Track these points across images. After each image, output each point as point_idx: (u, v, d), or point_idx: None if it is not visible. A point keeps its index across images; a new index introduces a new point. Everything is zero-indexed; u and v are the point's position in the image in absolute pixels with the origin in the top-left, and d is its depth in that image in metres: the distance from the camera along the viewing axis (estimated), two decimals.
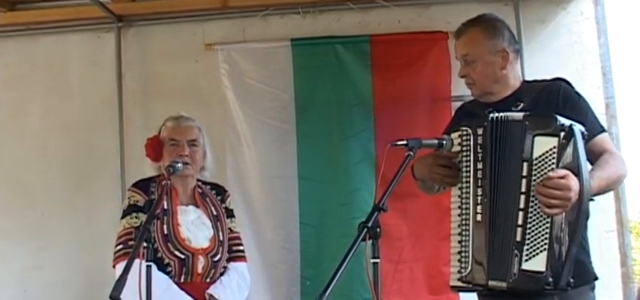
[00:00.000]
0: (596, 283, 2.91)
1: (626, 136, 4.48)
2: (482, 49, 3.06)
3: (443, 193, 3.12)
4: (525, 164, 2.65)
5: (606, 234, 4.37)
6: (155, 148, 3.55)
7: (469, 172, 2.79)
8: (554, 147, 2.61)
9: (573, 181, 2.57)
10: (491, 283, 2.71)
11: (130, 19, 4.90)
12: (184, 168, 3.40)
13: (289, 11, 4.79)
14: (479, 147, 2.77)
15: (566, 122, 2.61)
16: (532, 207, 2.63)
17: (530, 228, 2.62)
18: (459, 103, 3.64)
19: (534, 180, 2.63)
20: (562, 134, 2.60)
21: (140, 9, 4.86)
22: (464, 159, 2.81)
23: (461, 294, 3.96)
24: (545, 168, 2.61)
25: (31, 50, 4.97)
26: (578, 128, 2.62)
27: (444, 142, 2.83)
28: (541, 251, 2.60)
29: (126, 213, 3.42)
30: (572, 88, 3.02)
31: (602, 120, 3.19)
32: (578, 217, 2.58)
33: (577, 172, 2.58)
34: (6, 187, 4.85)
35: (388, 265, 4.23)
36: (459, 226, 2.81)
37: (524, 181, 2.65)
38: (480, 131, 2.77)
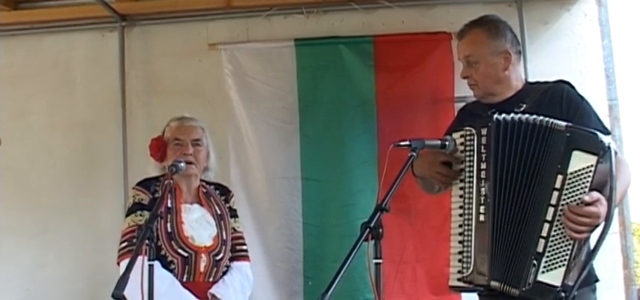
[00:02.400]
0: (599, 285, 2.91)
1: (628, 138, 4.48)
2: (484, 50, 3.06)
3: (444, 193, 3.12)
4: (560, 177, 2.63)
5: (609, 236, 4.33)
6: (159, 148, 3.57)
7: (472, 172, 2.79)
8: (592, 165, 2.58)
9: (603, 208, 2.56)
10: (493, 284, 2.70)
11: (134, 19, 4.90)
12: (188, 167, 3.41)
13: (293, 11, 4.79)
14: (483, 147, 2.77)
15: (606, 140, 2.60)
16: (559, 221, 2.62)
17: (552, 241, 2.62)
18: (462, 104, 3.64)
19: (566, 195, 2.61)
20: (601, 153, 2.58)
21: (144, 8, 4.86)
22: (467, 159, 2.81)
23: (462, 294, 3.97)
24: (579, 185, 2.59)
25: (35, 49, 4.98)
26: (613, 147, 2.61)
27: (447, 143, 2.83)
28: (559, 266, 2.60)
29: (130, 211, 3.43)
30: (575, 90, 3.02)
31: (605, 122, 3.19)
32: (601, 240, 2.55)
33: (608, 195, 2.56)
34: (10, 184, 4.85)
35: (390, 266, 4.24)
36: (460, 226, 2.81)
37: (555, 193, 2.63)
38: (484, 132, 2.78)
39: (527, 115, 2.76)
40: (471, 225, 2.78)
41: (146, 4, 4.86)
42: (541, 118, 2.73)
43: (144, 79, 4.88)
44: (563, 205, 2.61)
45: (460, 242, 2.80)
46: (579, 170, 2.60)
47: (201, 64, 4.80)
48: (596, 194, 2.57)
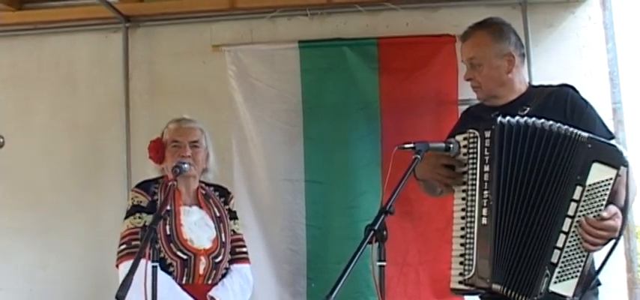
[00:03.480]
0: (602, 288, 2.90)
1: (632, 141, 4.47)
2: (488, 52, 3.06)
3: (447, 196, 3.12)
4: (578, 188, 2.62)
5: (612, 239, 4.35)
6: (158, 150, 3.57)
7: (475, 175, 2.78)
8: (611, 179, 2.58)
9: (619, 221, 2.57)
10: (495, 287, 2.70)
11: (138, 20, 4.90)
12: (188, 169, 3.41)
13: (297, 13, 4.79)
14: (486, 150, 2.76)
15: (625, 154, 2.60)
16: (574, 232, 2.61)
17: (567, 252, 2.61)
18: (465, 107, 3.64)
19: (583, 206, 2.61)
20: (620, 167, 2.57)
21: (148, 9, 4.87)
22: (470, 162, 2.81)
23: (465, 297, 3.96)
24: (597, 197, 2.59)
25: (38, 49, 4.98)
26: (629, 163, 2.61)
27: (451, 146, 2.83)
28: (572, 277, 2.59)
29: (129, 213, 3.44)
30: (580, 95, 3.01)
31: (609, 125, 3.18)
32: (611, 251, 2.57)
33: (624, 209, 2.58)
34: (12, 185, 4.86)
35: (393, 268, 4.23)
36: (462, 228, 2.81)
37: (573, 204, 2.62)
38: (487, 134, 2.77)
39: (534, 119, 2.75)
40: (474, 228, 2.77)
41: (150, 5, 4.86)
42: (558, 125, 2.72)
43: (147, 81, 4.88)
44: (579, 216, 2.61)
45: (462, 245, 2.79)
46: (598, 183, 2.60)
47: (204, 66, 4.79)
48: (613, 208, 2.58)
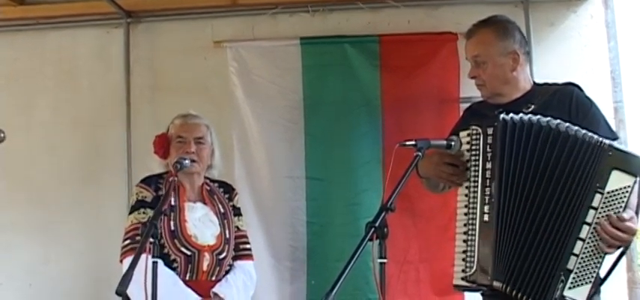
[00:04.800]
0: (602, 287, 2.90)
1: (634, 140, 4.46)
2: (493, 50, 3.06)
3: (448, 193, 3.13)
4: (598, 195, 2.61)
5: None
6: (163, 144, 3.57)
7: (477, 171, 2.78)
8: (629, 186, 2.59)
9: (637, 224, 2.58)
10: (496, 284, 2.70)
11: (139, 15, 4.90)
12: (191, 165, 3.41)
13: (299, 10, 4.78)
14: (488, 147, 2.76)
15: None
16: (590, 239, 2.61)
17: (583, 259, 2.61)
18: (467, 105, 3.63)
19: (601, 214, 2.61)
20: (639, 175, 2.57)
21: (149, 5, 4.86)
22: (472, 158, 2.81)
23: (466, 294, 3.97)
24: (615, 204, 2.59)
25: (40, 45, 4.97)
26: None
27: (453, 143, 2.83)
28: (586, 283, 2.61)
29: (134, 208, 3.43)
30: (584, 93, 3.01)
31: (611, 124, 3.18)
32: (623, 254, 2.58)
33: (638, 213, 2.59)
34: (13, 180, 4.86)
35: (394, 266, 4.22)
36: (465, 225, 2.81)
37: (592, 211, 2.62)
38: (490, 131, 2.77)
39: (539, 117, 2.74)
40: (475, 225, 2.77)
41: (152, 0, 4.86)
42: (576, 128, 2.70)
43: (149, 76, 4.88)
44: (596, 224, 2.61)
45: (464, 242, 2.80)
46: (617, 190, 2.60)
47: (206, 62, 4.79)
48: (631, 212, 2.58)
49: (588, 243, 2.61)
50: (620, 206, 2.58)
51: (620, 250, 2.61)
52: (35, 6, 4.93)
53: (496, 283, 2.71)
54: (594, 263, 2.60)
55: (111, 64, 4.88)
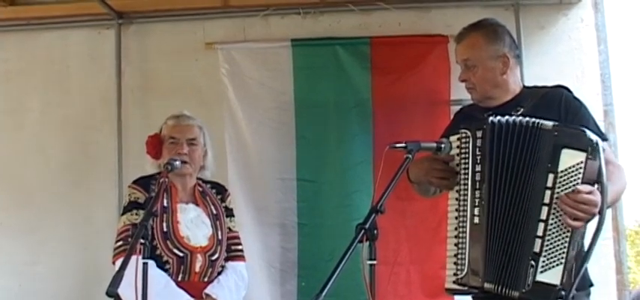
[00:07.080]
0: (592, 290, 2.91)
1: (624, 143, 4.49)
2: (483, 53, 3.06)
3: (440, 196, 3.13)
4: (551, 176, 2.62)
5: (602, 241, 4.34)
6: (155, 145, 3.56)
7: (467, 174, 2.79)
8: (581, 162, 2.58)
9: (598, 197, 2.56)
10: (487, 286, 2.71)
11: (131, 16, 4.89)
12: (183, 166, 3.40)
13: (290, 12, 4.79)
14: (478, 150, 2.77)
15: (594, 138, 2.59)
16: (553, 219, 2.62)
17: (549, 240, 2.61)
18: (458, 107, 3.64)
19: (558, 193, 2.61)
20: (590, 149, 2.58)
21: (141, 6, 4.86)
22: (462, 162, 2.81)
23: (456, 297, 3.97)
24: (570, 182, 2.59)
25: (31, 45, 4.96)
26: (602, 145, 2.61)
27: (443, 146, 2.83)
28: (558, 264, 2.59)
29: (126, 209, 3.42)
30: (573, 95, 3.02)
31: (601, 127, 3.20)
32: (597, 233, 2.55)
33: (601, 189, 2.57)
34: (3, 181, 4.84)
35: (384, 267, 4.22)
36: (455, 228, 2.81)
37: (548, 192, 2.62)
38: (479, 134, 2.77)
39: (520, 118, 2.77)
40: (466, 227, 2.77)
41: (143, 1, 4.86)
42: (531, 119, 2.73)
43: (140, 78, 4.88)
44: (555, 202, 2.62)
45: (456, 245, 2.80)
46: (569, 167, 2.60)
47: (197, 63, 4.79)
48: (588, 187, 2.58)
49: (551, 223, 2.62)
50: (576, 182, 2.58)
51: (594, 227, 2.60)
52: (26, 6, 4.93)
53: (487, 285, 2.71)
54: (562, 242, 2.60)
55: (102, 66, 4.88)
